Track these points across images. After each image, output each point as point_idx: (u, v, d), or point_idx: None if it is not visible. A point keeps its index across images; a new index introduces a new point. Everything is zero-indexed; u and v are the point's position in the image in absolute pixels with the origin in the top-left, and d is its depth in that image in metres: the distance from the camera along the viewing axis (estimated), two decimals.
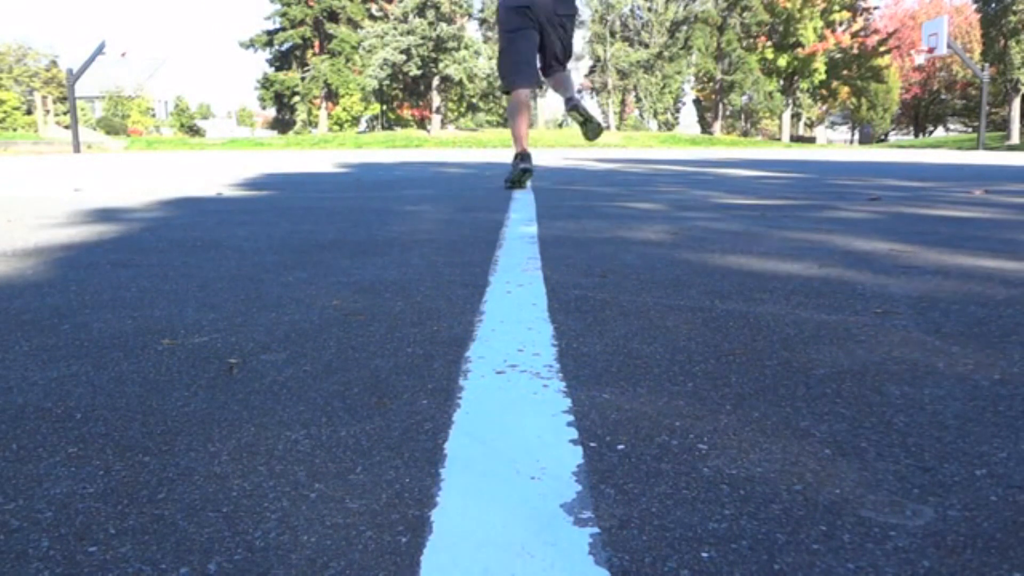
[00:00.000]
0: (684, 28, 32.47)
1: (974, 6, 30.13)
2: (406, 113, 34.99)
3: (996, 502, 0.56)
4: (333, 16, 33.67)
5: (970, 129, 37.80)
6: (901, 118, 43.05)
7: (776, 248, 1.93)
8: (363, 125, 37.55)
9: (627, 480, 0.60)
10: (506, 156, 12.21)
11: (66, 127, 22.35)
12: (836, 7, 32.83)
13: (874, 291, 1.36)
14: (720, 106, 34.42)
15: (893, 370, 0.88)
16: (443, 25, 27.61)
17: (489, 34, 32.58)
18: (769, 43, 33.40)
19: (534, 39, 3.97)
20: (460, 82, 28.73)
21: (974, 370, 0.88)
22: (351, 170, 7.07)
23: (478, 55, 29.19)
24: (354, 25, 32.51)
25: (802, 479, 0.60)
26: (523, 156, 3.91)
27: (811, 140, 39.40)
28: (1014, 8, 27.03)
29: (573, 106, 4.23)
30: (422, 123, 33.08)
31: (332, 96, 34.68)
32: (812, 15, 32.51)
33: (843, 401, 0.78)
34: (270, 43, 34.92)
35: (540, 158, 10.85)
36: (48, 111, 25.69)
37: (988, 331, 1.07)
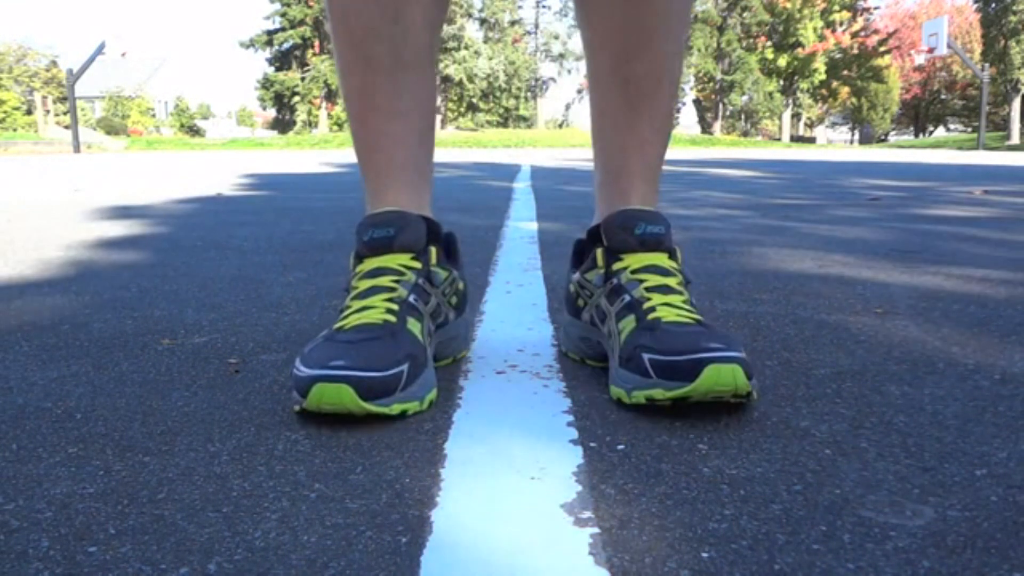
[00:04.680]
0: None
1: (974, 6, 30.13)
2: None
3: (996, 502, 0.56)
4: None
5: (970, 129, 37.78)
6: (901, 118, 43.03)
7: (776, 248, 1.93)
8: None
9: (627, 480, 0.60)
10: (506, 157, 12.08)
11: (66, 127, 22.34)
12: (836, 7, 32.83)
13: (874, 291, 1.36)
14: (720, 106, 34.41)
15: (893, 370, 0.88)
16: (443, 25, 27.58)
17: (489, 34, 32.56)
18: (769, 43, 33.41)
19: None
20: (460, 82, 28.71)
21: (974, 370, 0.88)
22: (351, 170, 7.07)
23: (478, 55, 29.16)
24: None
25: (802, 479, 0.60)
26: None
27: (811, 140, 39.39)
28: (1014, 8, 27.03)
29: None
30: None
31: (332, 96, 34.67)
32: (812, 15, 32.51)
33: (843, 401, 0.78)
34: (270, 43, 34.92)
35: (540, 158, 10.85)
36: (48, 111, 25.69)
37: (988, 331, 1.07)
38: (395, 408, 0.71)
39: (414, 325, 0.78)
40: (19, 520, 0.54)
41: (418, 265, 0.82)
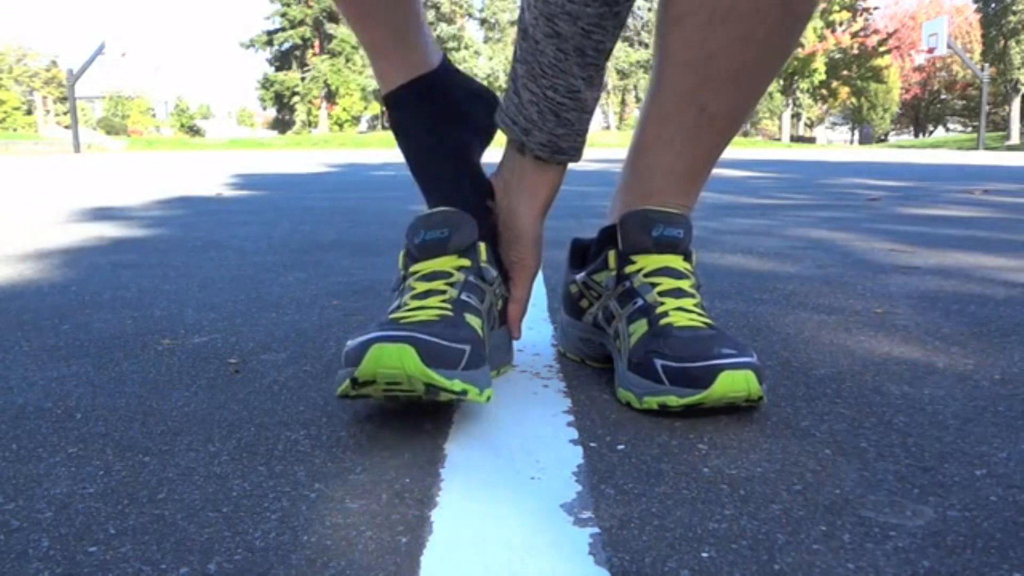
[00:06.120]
0: None
1: (974, 6, 30.13)
2: None
3: (996, 502, 0.56)
4: (333, 16, 33.67)
5: (970, 129, 37.76)
6: (901, 118, 43.02)
7: (776, 248, 1.93)
8: (363, 125, 37.53)
9: (627, 480, 0.60)
10: None
11: (66, 127, 22.35)
12: (836, 7, 32.82)
13: (874, 291, 1.36)
14: None
15: (893, 370, 0.88)
16: (443, 25, 27.59)
17: (490, 34, 32.56)
18: None
19: None
20: None
21: (974, 370, 0.88)
22: (351, 170, 7.07)
23: (478, 55, 29.17)
24: None
25: (802, 479, 0.60)
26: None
27: (811, 140, 39.38)
28: (1014, 8, 27.04)
29: None
30: None
31: (332, 96, 34.68)
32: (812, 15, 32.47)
33: (843, 401, 0.78)
34: (270, 43, 34.94)
35: None
36: (48, 111, 25.71)
37: (988, 331, 1.07)
38: (457, 385, 0.64)
39: (473, 320, 0.73)
40: (19, 520, 0.54)
41: (467, 263, 0.78)
